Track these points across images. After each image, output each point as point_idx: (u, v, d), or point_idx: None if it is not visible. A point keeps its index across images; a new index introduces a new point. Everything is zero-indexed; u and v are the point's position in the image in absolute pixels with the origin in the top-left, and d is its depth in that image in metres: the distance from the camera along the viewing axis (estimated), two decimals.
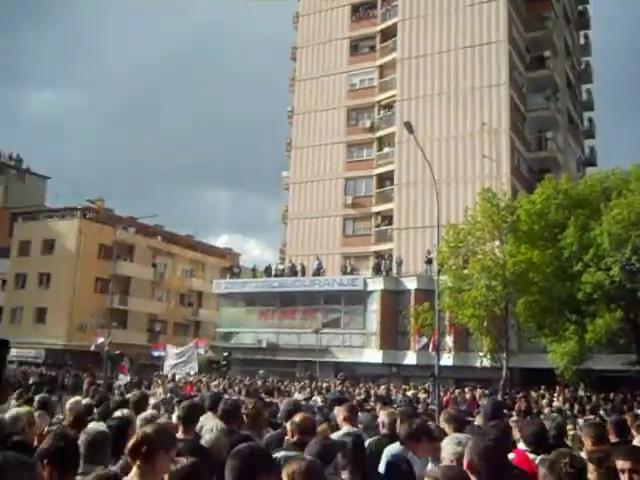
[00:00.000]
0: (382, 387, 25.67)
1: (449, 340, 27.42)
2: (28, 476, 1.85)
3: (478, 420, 7.40)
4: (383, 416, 6.38)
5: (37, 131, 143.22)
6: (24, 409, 5.67)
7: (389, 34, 43.88)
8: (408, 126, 23.07)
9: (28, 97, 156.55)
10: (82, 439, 3.88)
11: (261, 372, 34.08)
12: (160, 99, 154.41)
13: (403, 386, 26.10)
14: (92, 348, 34.71)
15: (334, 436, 5.46)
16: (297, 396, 20.48)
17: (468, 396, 22.24)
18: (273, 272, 40.72)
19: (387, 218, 41.46)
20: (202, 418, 5.80)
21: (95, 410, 6.84)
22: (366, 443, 6.06)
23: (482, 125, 37.96)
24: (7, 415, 5.26)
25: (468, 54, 39.54)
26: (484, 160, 37.19)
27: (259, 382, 28.53)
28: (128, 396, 8.19)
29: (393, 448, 5.46)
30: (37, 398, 7.68)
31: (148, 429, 3.42)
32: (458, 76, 39.68)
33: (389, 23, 43.85)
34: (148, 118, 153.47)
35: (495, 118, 37.94)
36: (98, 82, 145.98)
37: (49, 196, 66.02)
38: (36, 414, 6.13)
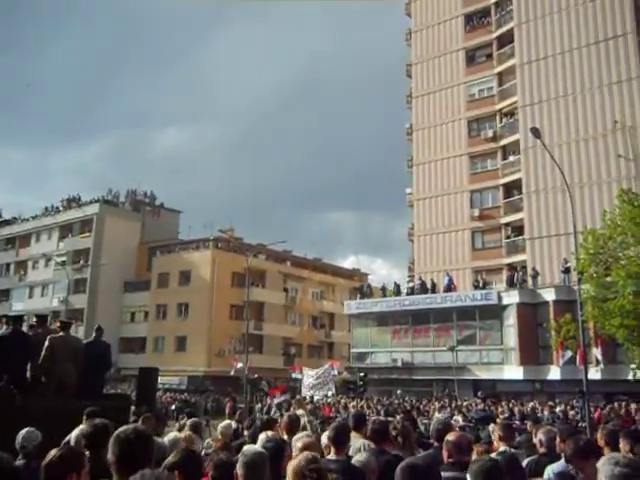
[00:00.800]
0: (530, 405, 24.64)
1: (597, 352, 25.94)
2: None
3: None
4: (541, 434, 6.04)
5: (166, 168, 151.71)
6: (182, 434, 5.84)
7: (506, 40, 42.75)
8: (535, 131, 22.35)
9: (156, 136, 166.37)
10: (240, 461, 3.90)
11: (398, 392, 33.80)
12: (280, 126, 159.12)
13: (549, 403, 24.87)
14: (232, 373, 35.82)
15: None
16: (437, 415, 20.05)
17: (622, 412, 20.82)
18: (404, 290, 40.45)
19: (517, 228, 40.07)
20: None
21: (245, 433, 6.95)
22: (524, 463, 5.75)
23: (614, 123, 35.94)
24: (166, 439, 5.44)
25: (592, 51, 37.71)
26: (619, 160, 35.17)
27: (396, 402, 28.27)
28: (275, 417, 8.27)
29: (557, 466, 5.11)
30: (189, 422, 7.93)
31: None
32: (583, 75, 37.91)
33: (505, 29, 42.71)
34: (270, 146, 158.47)
35: (628, 115, 35.79)
36: (219, 115, 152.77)
37: (182, 229, 69.24)
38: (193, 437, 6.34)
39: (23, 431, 5.50)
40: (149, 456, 2.81)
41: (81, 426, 5.63)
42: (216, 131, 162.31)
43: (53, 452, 3.36)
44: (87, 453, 4.02)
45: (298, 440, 4.77)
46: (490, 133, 42.20)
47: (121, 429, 2.86)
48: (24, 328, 10.48)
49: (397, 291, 41.01)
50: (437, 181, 44.32)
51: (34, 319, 11.11)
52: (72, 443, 5.00)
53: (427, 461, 3.23)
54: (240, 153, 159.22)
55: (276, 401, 25.08)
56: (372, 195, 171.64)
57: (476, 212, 41.66)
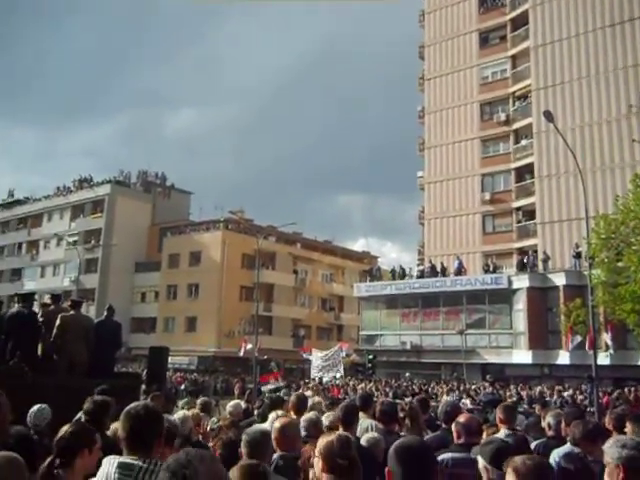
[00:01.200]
0: (537, 389, 24.67)
1: (607, 338, 25.85)
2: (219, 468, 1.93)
3: None
4: (549, 418, 6.03)
5: (177, 149, 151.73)
6: (191, 411, 5.97)
7: (520, 22, 42.22)
8: (547, 115, 22.10)
9: (167, 117, 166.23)
10: (243, 439, 3.98)
11: (407, 375, 33.91)
12: (291, 108, 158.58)
13: (557, 387, 24.89)
14: (241, 354, 35.86)
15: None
16: (446, 398, 20.12)
17: (632, 397, 20.79)
18: (414, 274, 40.47)
19: (529, 213, 39.85)
20: None
21: (255, 412, 7.03)
22: (532, 446, 5.75)
23: (629, 108, 35.53)
24: (175, 417, 5.52)
25: (608, 34, 37.18)
26: (634, 145, 34.75)
27: (405, 384, 28.38)
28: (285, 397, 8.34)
29: (563, 449, 5.11)
30: (199, 401, 8.07)
31: None
32: (598, 58, 37.42)
33: (519, 11, 42.15)
34: (281, 128, 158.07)
35: None
36: (231, 97, 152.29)
37: (193, 210, 69.32)
38: (201, 416, 6.46)
39: (34, 408, 5.56)
40: (159, 433, 2.84)
41: None
42: (227, 112, 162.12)
43: (65, 428, 3.42)
44: None
45: (276, 420, 4.79)
46: (503, 116, 41.88)
47: (132, 405, 2.90)
48: (35, 306, 10.58)
49: (403, 275, 41.07)
50: (448, 164, 44.09)
51: (47, 298, 11.20)
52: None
53: (424, 443, 3.21)
54: (251, 135, 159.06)
55: (268, 387, 24.85)
56: (383, 178, 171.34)
57: (487, 196, 41.48)
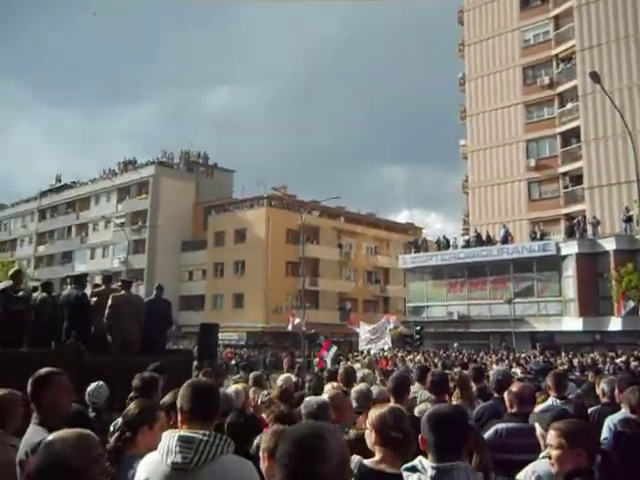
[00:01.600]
0: (590, 356, 24.33)
1: None
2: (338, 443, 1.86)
3: None
4: (604, 384, 5.96)
5: (218, 127, 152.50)
6: (241, 385, 6.16)
7: None
8: (594, 76, 21.53)
9: (208, 96, 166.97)
10: (302, 411, 4.07)
11: (455, 345, 33.81)
12: (330, 84, 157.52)
13: (610, 354, 24.49)
14: (289, 328, 36.22)
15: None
16: (496, 367, 19.99)
17: None
18: (460, 243, 40.06)
19: (575, 178, 38.97)
20: (413, 389, 5.82)
21: (306, 385, 7.17)
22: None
23: None
24: (229, 391, 5.69)
25: None
26: None
27: (454, 355, 28.31)
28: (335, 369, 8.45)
29: (618, 415, 5.04)
30: (251, 375, 8.26)
31: None
32: None
33: None
34: (321, 103, 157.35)
35: None
36: (270, 75, 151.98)
37: (236, 188, 69.76)
38: (252, 389, 6.63)
39: (92, 386, 5.73)
40: (217, 407, 2.93)
41: None
42: (267, 89, 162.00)
43: (131, 406, 3.62)
44: None
45: (326, 392, 4.87)
46: (546, 80, 40.87)
47: (193, 379, 3.01)
48: (88, 287, 10.82)
49: (447, 245, 40.66)
50: (492, 132, 43.37)
51: (99, 279, 11.47)
52: None
53: (457, 410, 3.21)
54: (291, 110, 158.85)
55: (330, 355, 25.13)
56: (424, 148, 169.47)
57: (532, 162, 40.72)
